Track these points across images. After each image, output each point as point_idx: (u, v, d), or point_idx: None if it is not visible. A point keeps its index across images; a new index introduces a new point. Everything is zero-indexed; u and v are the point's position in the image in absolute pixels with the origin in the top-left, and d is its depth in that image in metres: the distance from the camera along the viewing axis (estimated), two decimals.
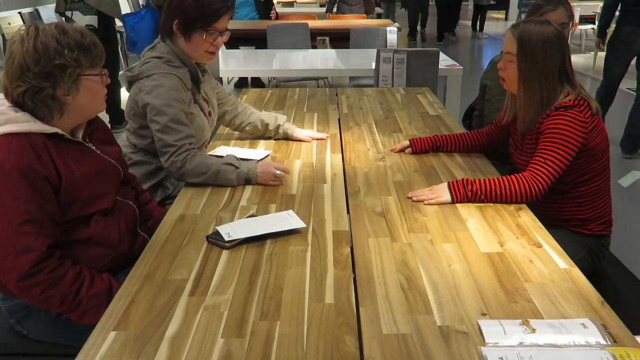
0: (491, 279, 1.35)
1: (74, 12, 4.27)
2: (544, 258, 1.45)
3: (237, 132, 2.42)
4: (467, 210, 1.71)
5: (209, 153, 2.21)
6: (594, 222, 1.88)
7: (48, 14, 6.42)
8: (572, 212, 1.88)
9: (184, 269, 1.41)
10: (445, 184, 1.78)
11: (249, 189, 1.89)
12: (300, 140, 2.36)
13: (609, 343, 1.12)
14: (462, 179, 1.77)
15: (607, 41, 4.70)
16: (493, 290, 1.31)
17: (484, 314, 1.22)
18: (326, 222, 1.65)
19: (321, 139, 2.38)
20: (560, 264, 1.42)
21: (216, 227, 1.58)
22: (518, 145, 1.96)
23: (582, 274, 1.38)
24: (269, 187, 1.90)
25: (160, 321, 1.21)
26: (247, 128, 2.35)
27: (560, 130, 1.74)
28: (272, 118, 2.36)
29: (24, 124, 1.39)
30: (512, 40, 1.81)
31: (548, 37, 1.75)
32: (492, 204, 1.75)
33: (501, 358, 1.07)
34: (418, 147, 2.18)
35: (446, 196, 1.74)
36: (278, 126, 2.34)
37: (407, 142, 2.21)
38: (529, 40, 1.76)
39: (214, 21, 1.96)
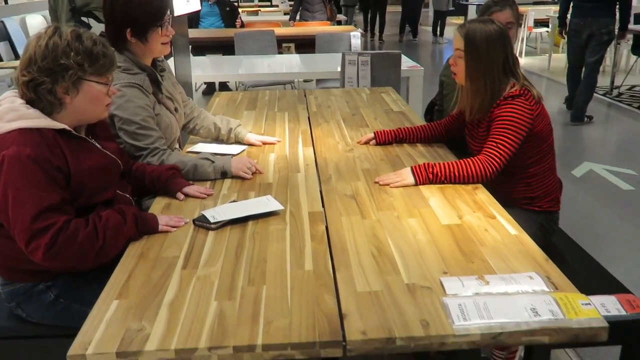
0: (451, 245, 1.53)
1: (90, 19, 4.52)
2: (497, 227, 1.63)
3: None
4: (429, 191, 1.89)
5: (187, 150, 2.34)
6: (543, 200, 2.08)
7: (14, 25, 6.42)
8: (523, 192, 2.07)
9: (174, 248, 1.54)
10: (409, 168, 1.95)
11: (228, 180, 2.03)
12: (252, 145, 2.41)
13: (552, 290, 1.30)
14: (424, 163, 1.95)
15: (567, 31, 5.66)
16: (453, 254, 1.48)
17: (445, 273, 1.39)
18: (302, 205, 1.80)
19: (272, 144, 2.43)
20: (511, 231, 1.60)
21: (202, 212, 1.72)
22: (473, 134, 2.15)
23: (530, 238, 1.56)
24: (247, 177, 2.03)
25: (158, 290, 1.34)
26: (201, 131, 2.45)
27: (510, 117, 1.94)
28: (225, 122, 2.44)
29: (36, 119, 1.51)
30: (459, 38, 2.01)
31: (491, 34, 1.95)
32: (451, 185, 1.93)
33: (460, 304, 1.24)
34: (382, 139, 2.36)
35: (410, 179, 1.92)
36: (230, 130, 2.42)
37: (371, 135, 2.38)
38: (474, 37, 1.96)
39: (164, 14, 2.08)
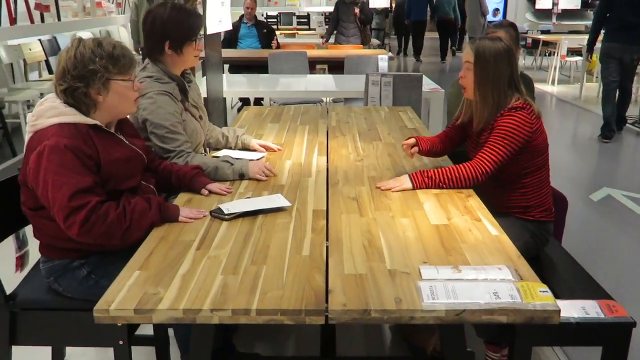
0: (435, 241, 1.70)
1: None
2: (481, 228, 1.80)
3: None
4: (425, 196, 2.07)
5: (212, 155, 2.58)
6: (536, 210, 2.23)
7: (65, 41, 6.87)
8: (517, 201, 2.23)
9: (191, 233, 1.76)
10: (407, 174, 2.14)
11: (245, 181, 2.25)
12: (255, 149, 2.66)
13: (517, 280, 1.47)
14: (421, 170, 2.13)
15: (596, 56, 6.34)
16: (435, 248, 1.66)
17: (424, 262, 1.57)
18: (308, 204, 2.01)
19: (273, 150, 2.67)
20: (493, 232, 1.77)
21: (218, 205, 1.94)
22: (476, 142, 2.31)
23: (507, 238, 1.73)
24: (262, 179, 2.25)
25: (174, 265, 1.56)
26: (211, 141, 2.70)
27: (509, 127, 2.10)
28: (232, 131, 2.73)
29: (72, 116, 1.77)
30: (470, 52, 2.19)
31: (499, 50, 2.14)
32: (446, 192, 2.10)
33: (431, 287, 1.41)
34: (424, 146, 2.38)
35: (407, 183, 2.11)
36: (237, 137, 2.70)
37: (414, 140, 2.37)
38: (483, 52, 2.15)
39: (197, 32, 2.36)
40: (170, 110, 2.29)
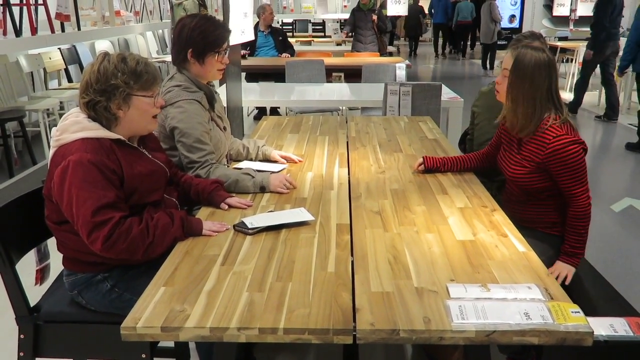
0: (462, 258, 1.68)
1: None
2: (508, 244, 1.77)
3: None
4: (449, 210, 2.05)
5: (234, 166, 2.58)
6: (564, 226, 2.19)
7: (84, 49, 6.94)
8: (545, 216, 2.20)
9: (215, 248, 1.76)
10: (560, 263, 2.13)
11: (267, 194, 2.24)
12: (276, 161, 2.66)
13: (547, 299, 1.44)
14: (564, 252, 2.14)
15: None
16: (462, 265, 1.64)
17: (452, 280, 1.55)
18: (331, 218, 1.99)
19: (294, 161, 2.66)
20: (520, 248, 1.75)
21: (241, 219, 1.93)
22: (509, 156, 2.26)
23: (535, 255, 1.70)
24: (283, 192, 2.24)
25: (199, 281, 1.55)
26: (232, 152, 2.70)
27: (578, 163, 2.06)
28: (252, 142, 2.73)
29: (96, 130, 1.77)
30: (509, 59, 2.13)
31: (540, 61, 2.07)
32: (471, 207, 2.08)
33: (460, 306, 1.39)
34: (429, 164, 2.46)
35: (567, 267, 2.12)
36: (257, 148, 2.71)
37: (421, 160, 2.48)
38: (523, 60, 2.08)
39: (221, 44, 2.37)
40: (199, 119, 2.30)
